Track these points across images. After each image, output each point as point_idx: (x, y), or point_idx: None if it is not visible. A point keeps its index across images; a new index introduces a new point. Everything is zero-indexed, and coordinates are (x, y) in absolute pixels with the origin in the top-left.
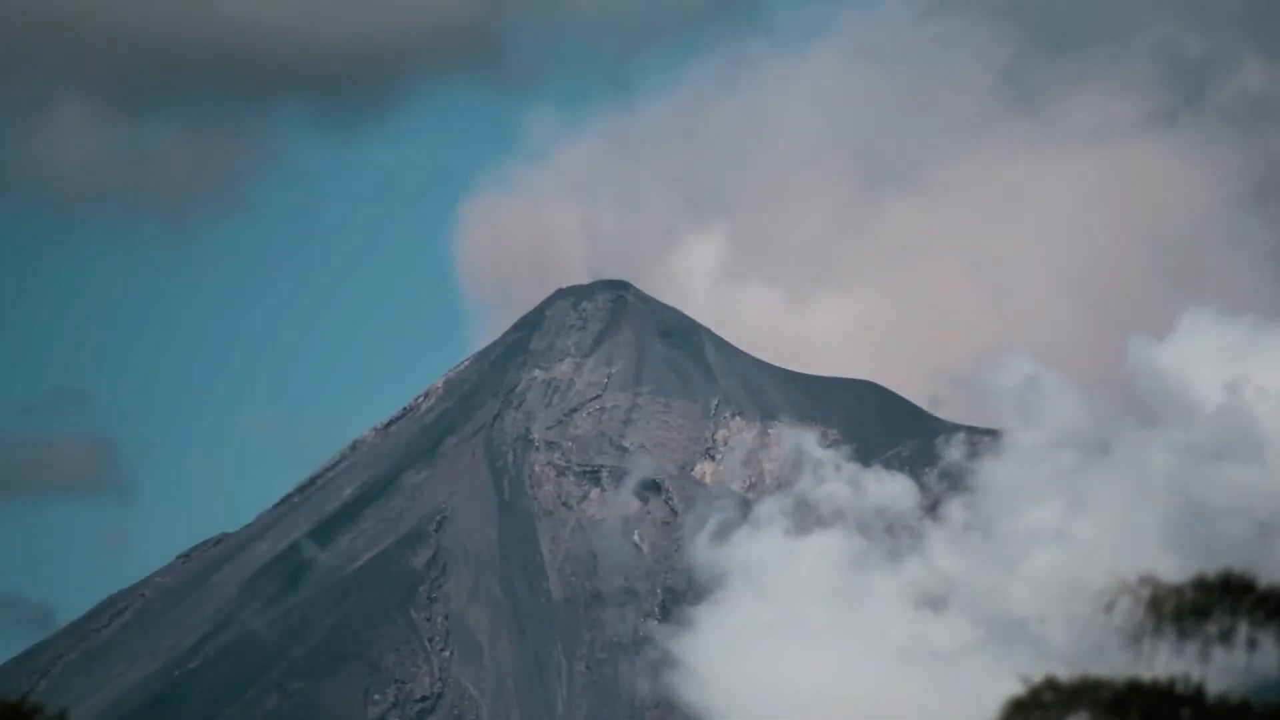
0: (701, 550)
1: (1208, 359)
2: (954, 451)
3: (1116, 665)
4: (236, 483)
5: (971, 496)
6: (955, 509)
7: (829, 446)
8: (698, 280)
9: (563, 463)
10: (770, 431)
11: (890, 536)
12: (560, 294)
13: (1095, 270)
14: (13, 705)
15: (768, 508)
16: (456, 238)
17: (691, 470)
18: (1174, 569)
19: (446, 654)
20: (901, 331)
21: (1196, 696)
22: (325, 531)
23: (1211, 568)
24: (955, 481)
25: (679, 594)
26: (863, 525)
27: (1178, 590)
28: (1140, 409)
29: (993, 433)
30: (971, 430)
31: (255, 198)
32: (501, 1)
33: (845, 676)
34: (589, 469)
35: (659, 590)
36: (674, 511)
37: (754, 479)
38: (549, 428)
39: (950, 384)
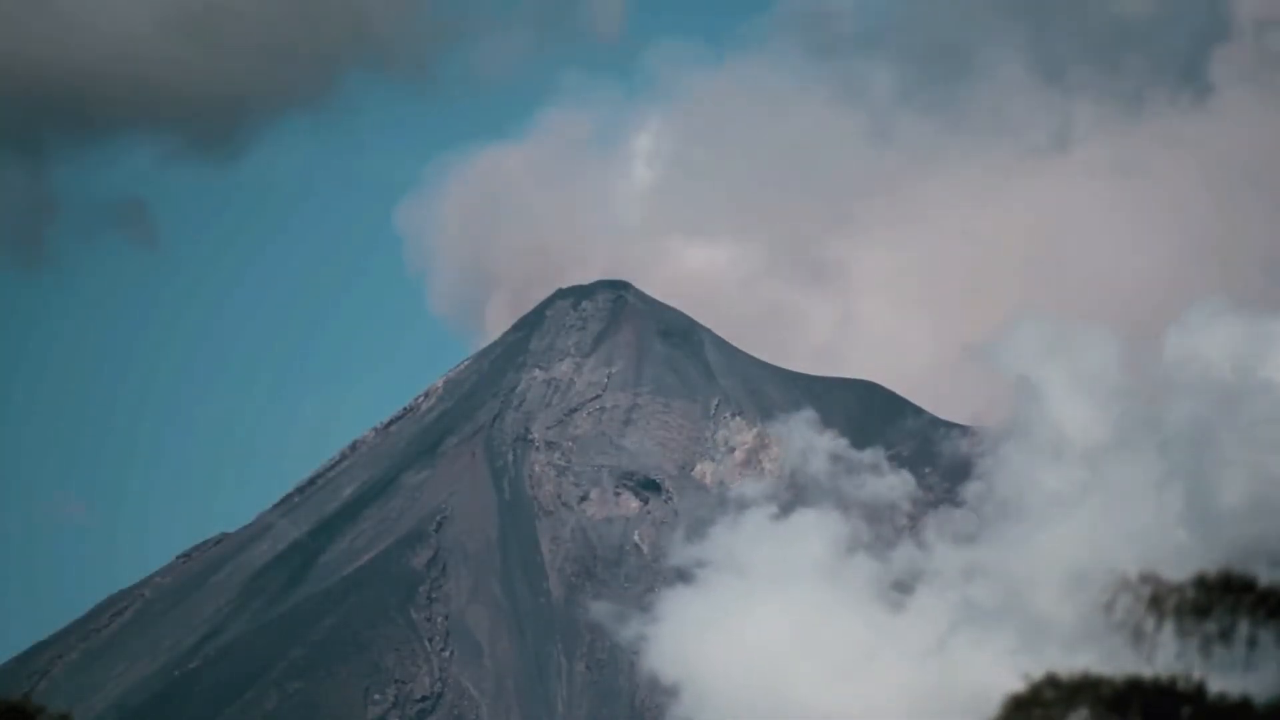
0: (692, 538)
1: (1217, 347)
2: (955, 449)
3: (1099, 651)
4: (236, 483)
5: (973, 489)
6: (958, 500)
7: (828, 447)
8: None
9: (563, 463)
10: (770, 432)
11: (883, 523)
12: (560, 294)
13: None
14: (15, 705)
15: (757, 489)
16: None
17: (691, 470)
18: (1189, 546)
19: (446, 654)
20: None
21: (1197, 694)
22: (325, 531)
23: (1226, 544)
24: (955, 478)
25: (678, 591)
26: (859, 510)
27: (1178, 588)
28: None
29: (996, 433)
30: (974, 429)
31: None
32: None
33: (840, 666)
34: (589, 469)
35: (659, 589)
36: (674, 512)
37: (754, 479)
38: (549, 428)
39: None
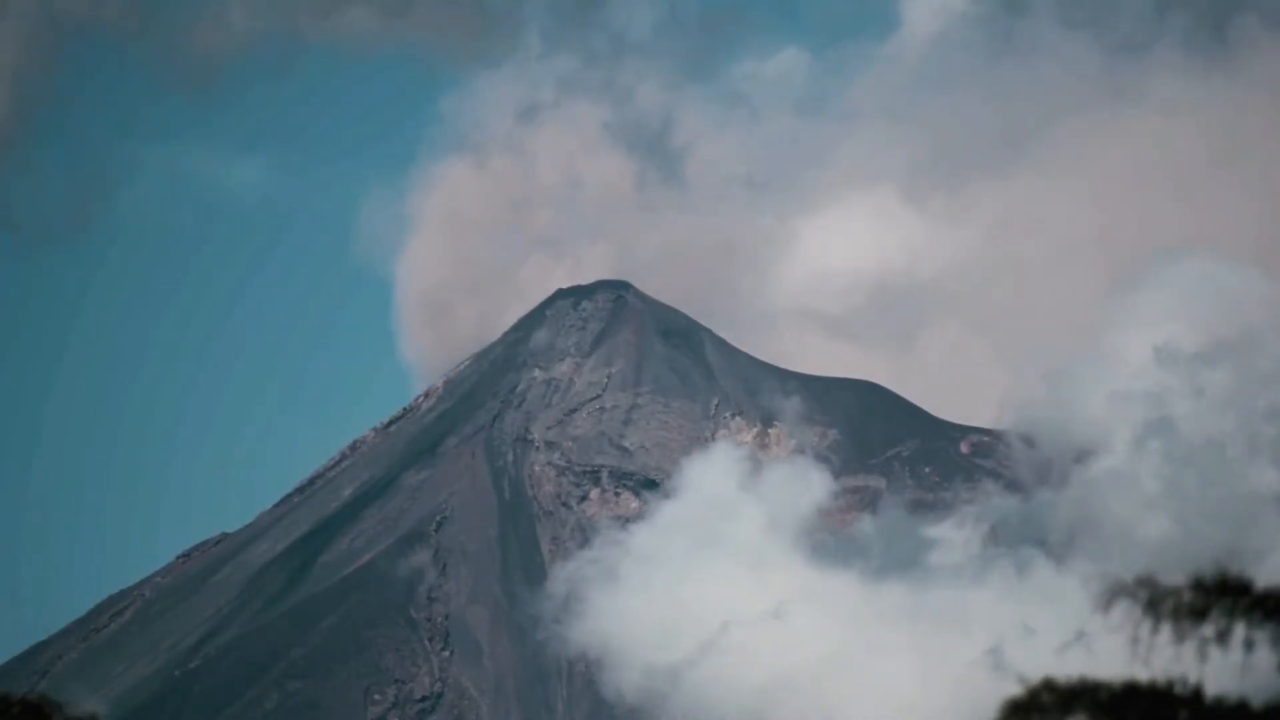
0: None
1: None
2: (956, 450)
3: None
4: (236, 483)
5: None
6: (955, 499)
7: (828, 447)
8: None
9: (563, 463)
10: (770, 432)
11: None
12: (560, 294)
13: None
14: (34, 702)
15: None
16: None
17: None
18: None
19: (446, 654)
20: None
21: (1194, 698)
22: (325, 531)
23: None
24: (956, 478)
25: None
26: (845, 500)
27: (1175, 591)
28: None
29: (994, 433)
30: (973, 430)
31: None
32: None
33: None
34: (589, 469)
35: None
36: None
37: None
38: (549, 428)
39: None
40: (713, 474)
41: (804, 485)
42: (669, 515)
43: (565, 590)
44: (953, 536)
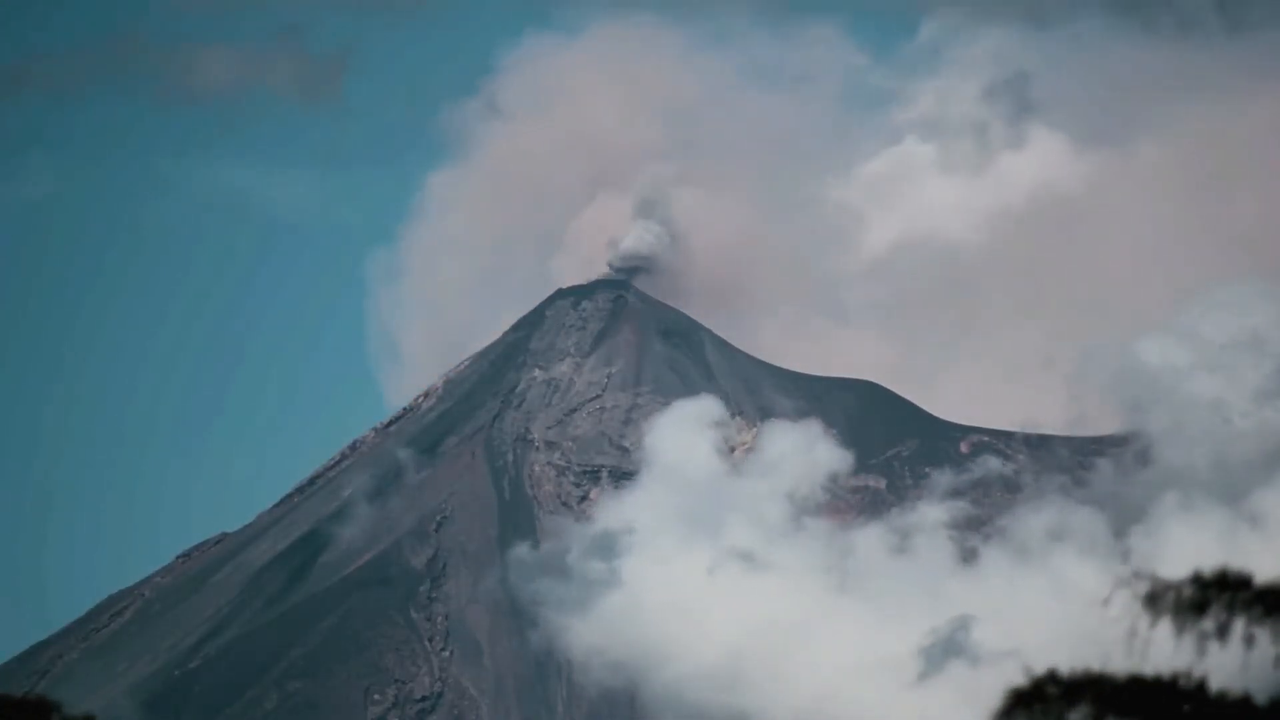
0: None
1: None
2: (956, 450)
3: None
4: (236, 483)
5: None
6: (951, 499)
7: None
8: None
9: (563, 463)
10: (767, 431)
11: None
12: (560, 294)
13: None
14: (33, 702)
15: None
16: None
17: None
18: None
19: (446, 654)
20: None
21: (1199, 692)
22: (325, 531)
23: None
24: (955, 479)
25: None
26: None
27: (1175, 585)
28: None
29: (998, 433)
30: (973, 430)
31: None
32: None
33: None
34: (589, 469)
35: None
36: None
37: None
38: (549, 428)
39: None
40: (689, 454)
41: (784, 465)
42: (638, 500)
43: (527, 584)
44: (930, 511)
